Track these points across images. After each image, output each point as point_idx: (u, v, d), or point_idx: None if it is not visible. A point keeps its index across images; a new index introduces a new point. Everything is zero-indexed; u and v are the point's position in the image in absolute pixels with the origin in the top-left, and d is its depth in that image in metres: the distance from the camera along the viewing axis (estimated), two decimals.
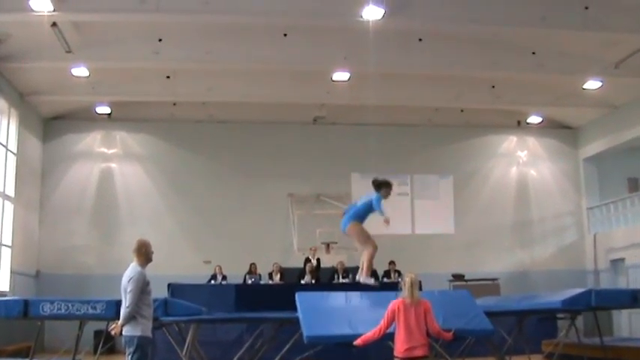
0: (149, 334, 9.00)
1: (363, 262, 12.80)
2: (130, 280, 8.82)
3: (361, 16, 17.48)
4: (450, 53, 20.61)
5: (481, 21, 18.29)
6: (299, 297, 11.72)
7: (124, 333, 8.82)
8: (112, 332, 8.99)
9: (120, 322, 8.83)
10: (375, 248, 12.54)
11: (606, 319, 22.30)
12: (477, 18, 18.11)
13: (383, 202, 12.28)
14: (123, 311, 8.85)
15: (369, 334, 9.78)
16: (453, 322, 10.57)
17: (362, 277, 12.72)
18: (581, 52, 20.83)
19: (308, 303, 11.66)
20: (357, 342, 9.84)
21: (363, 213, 12.52)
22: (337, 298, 12.16)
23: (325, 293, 12.74)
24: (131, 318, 8.76)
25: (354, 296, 12.19)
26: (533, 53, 20.83)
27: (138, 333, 8.80)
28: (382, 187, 12.45)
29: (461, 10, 17.91)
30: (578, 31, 18.64)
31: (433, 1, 17.40)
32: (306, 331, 10.79)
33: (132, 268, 9.00)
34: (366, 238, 12.47)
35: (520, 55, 20.91)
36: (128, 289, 8.77)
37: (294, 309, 11.84)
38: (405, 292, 9.58)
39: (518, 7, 17.94)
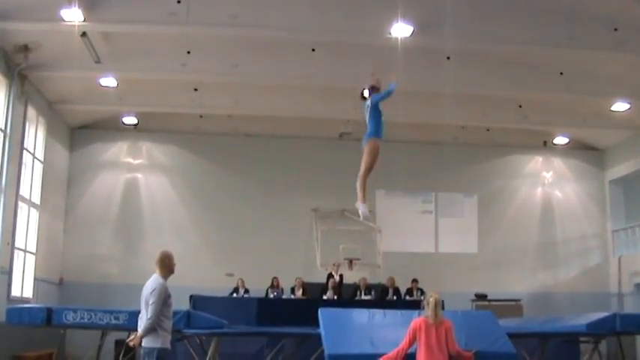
0: (168, 346, 9.02)
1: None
2: (152, 291, 8.82)
3: (390, 34, 17.48)
4: (478, 72, 20.55)
5: (509, 41, 18.24)
6: (322, 313, 11.71)
7: (143, 344, 8.83)
8: (131, 343, 9.00)
9: (140, 333, 8.84)
10: (366, 170, 12.01)
11: (630, 344, 22.07)
12: (505, 37, 18.07)
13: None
14: (143, 322, 8.85)
15: (390, 354, 9.76)
16: (475, 343, 10.55)
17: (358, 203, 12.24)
18: (609, 73, 20.70)
19: (331, 320, 11.65)
20: None
21: (375, 122, 12.06)
22: (360, 315, 12.14)
23: (348, 310, 12.73)
24: (152, 330, 8.77)
25: (377, 314, 12.16)
26: (561, 74, 20.71)
27: (158, 345, 8.81)
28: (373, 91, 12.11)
29: (489, 30, 17.87)
30: (607, 52, 18.57)
31: (462, 20, 17.33)
32: (328, 349, 10.78)
33: (154, 280, 9.00)
34: (368, 159, 11.98)
35: (547, 76, 20.81)
36: (150, 301, 8.77)
37: (316, 324, 11.84)
38: (428, 312, 9.57)
39: (547, 28, 17.86)
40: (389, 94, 11.59)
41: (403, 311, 12.22)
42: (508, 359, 11.82)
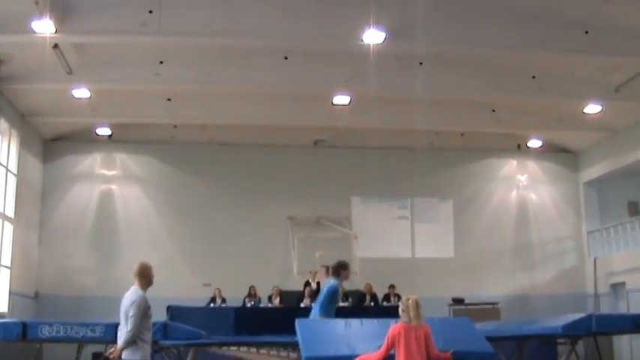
0: (148, 358, 8.94)
1: None
2: (132, 303, 8.74)
3: (362, 40, 17.50)
4: (451, 77, 20.62)
5: (481, 45, 18.30)
6: (299, 324, 11.67)
7: (123, 357, 8.74)
8: (111, 356, 8.93)
9: (120, 345, 8.76)
10: None
11: (607, 344, 22.21)
12: (477, 42, 18.12)
13: (337, 285, 11.96)
14: (123, 335, 8.78)
15: (370, 355, 9.76)
16: (453, 347, 10.54)
17: None
18: (581, 76, 20.85)
19: (308, 328, 11.62)
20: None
21: (328, 304, 12.22)
22: (337, 324, 12.11)
23: (325, 320, 12.70)
24: (132, 342, 8.70)
25: (354, 322, 12.14)
26: (534, 77, 20.83)
27: (138, 357, 8.73)
28: (340, 269, 12.25)
29: (461, 34, 17.93)
30: (579, 55, 18.68)
31: (434, 25, 17.39)
32: (305, 352, 10.76)
33: (133, 292, 8.93)
34: None
35: (520, 79, 20.92)
36: (130, 313, 8.69)
37: (294, 332, 11.81)
38: (411, 312, 9.54)
39: (519, 31, 17.94)
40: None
41: (380, 319, 12.18)
42: (486, 358, 11.86)
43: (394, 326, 9.59)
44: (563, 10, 17.64)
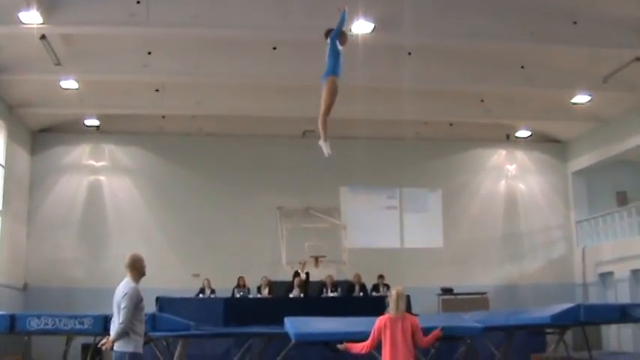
0: (140, 350, 8.92)
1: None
2: (124, 295, 8.72)
3: (350, 30, 17.45)
4: (439, 67, 20.62)
5: (470, 36, 18.29)
6: (288, 320, 11.70)
7: (115, 349, 8.73)
8: (103, 347, 8.91)
9: (112, 337, 8.74)
10: (326, 109, 11.85)
11: (595, 333, 22.27)
12: (466, 32, 18.13)
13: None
14: (116, 327, 8.77)
15: (356, 345, 9.81)
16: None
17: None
18: (569, 66, 20.88)
19: (296, 321, 11.67)
20: (342, 346, 9.89)
21: (333, 60, 11.93)
22: (324, 319, 12.17)
23: (313, 318, 12.72)
24: (124, 334, 8.68)
25: (341, 319, 12.21)
26: (522, 67, 20.84)
27: (130, 349, 8.71)
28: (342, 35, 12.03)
29: (450, 25, 17.92)
30: (567, 45, 18.70)
31: (422, 15, 17.36)
32: (293, 329, 10.79)
33: (126, 284, 8.90)
34: (327, 97, 11.77)
35: (509, 70, 20.93)
36: (122, 305, 8.67)
37: (283, 323, 11.84)
38: (391, 305, 9.60)
39: (508, 22, 17.96)
40: (342, 23, 11.49)
41: (369, 318, 12.21)
42: (475, 334, 11.94)
43: (380, 318, 9.66)
44: (552, 1, 17.68)
